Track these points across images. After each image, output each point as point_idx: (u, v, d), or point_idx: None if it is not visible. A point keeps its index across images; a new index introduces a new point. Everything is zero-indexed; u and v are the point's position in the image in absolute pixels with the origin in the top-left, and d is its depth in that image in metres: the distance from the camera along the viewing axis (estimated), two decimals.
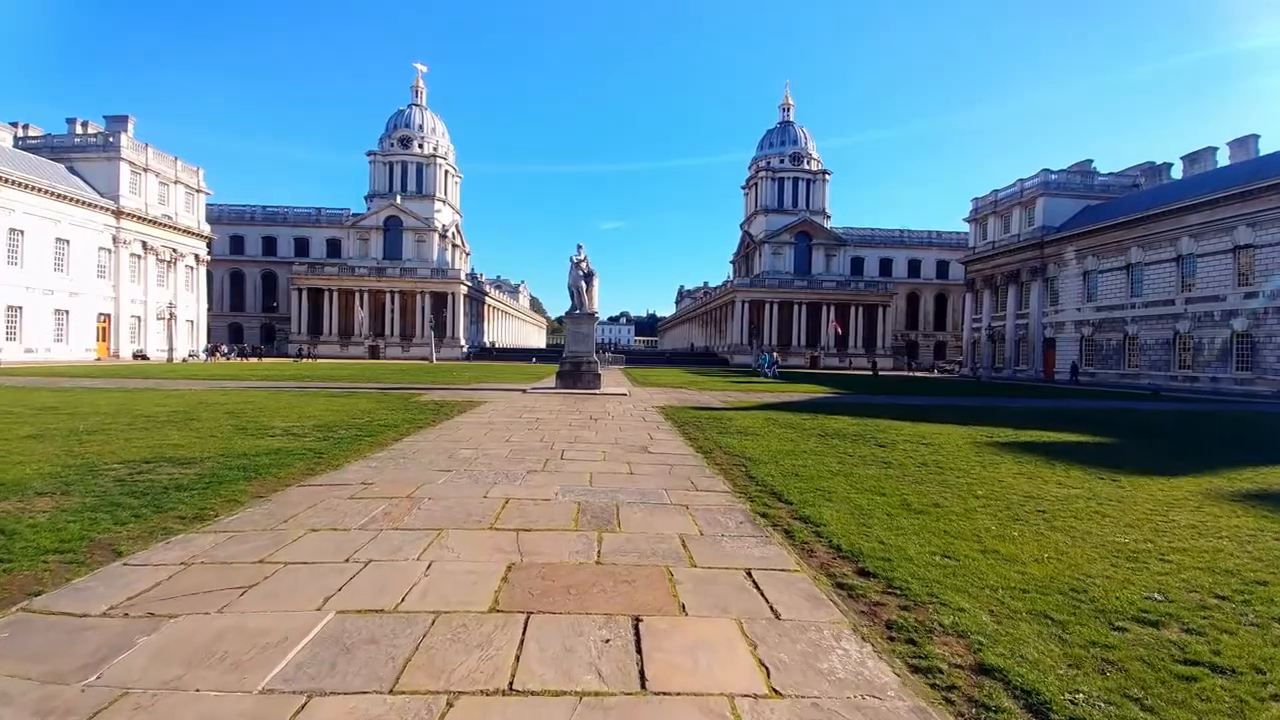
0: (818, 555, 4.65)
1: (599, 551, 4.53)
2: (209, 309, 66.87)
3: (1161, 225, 40.46)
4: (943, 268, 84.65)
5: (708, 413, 15.35)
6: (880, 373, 57.29)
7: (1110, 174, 55.44)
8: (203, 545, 4.50)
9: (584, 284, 21.18)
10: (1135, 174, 53.97)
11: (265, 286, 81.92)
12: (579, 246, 21.65)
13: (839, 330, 74.26)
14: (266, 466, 7.06)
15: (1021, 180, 55.66)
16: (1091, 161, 56.68)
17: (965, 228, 68.12)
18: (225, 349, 63.97)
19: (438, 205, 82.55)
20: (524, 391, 20.75)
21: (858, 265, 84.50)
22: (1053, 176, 53.35)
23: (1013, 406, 20.51)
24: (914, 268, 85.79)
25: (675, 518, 5.54)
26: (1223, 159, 43.06)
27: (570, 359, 21.88)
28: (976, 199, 61.78)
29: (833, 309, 75.24)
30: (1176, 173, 48.69)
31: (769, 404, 18.74)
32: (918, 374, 61.26)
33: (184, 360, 51.13)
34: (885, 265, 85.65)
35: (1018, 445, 10.77)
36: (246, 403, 14.27)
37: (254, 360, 58.32)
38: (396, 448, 8.76)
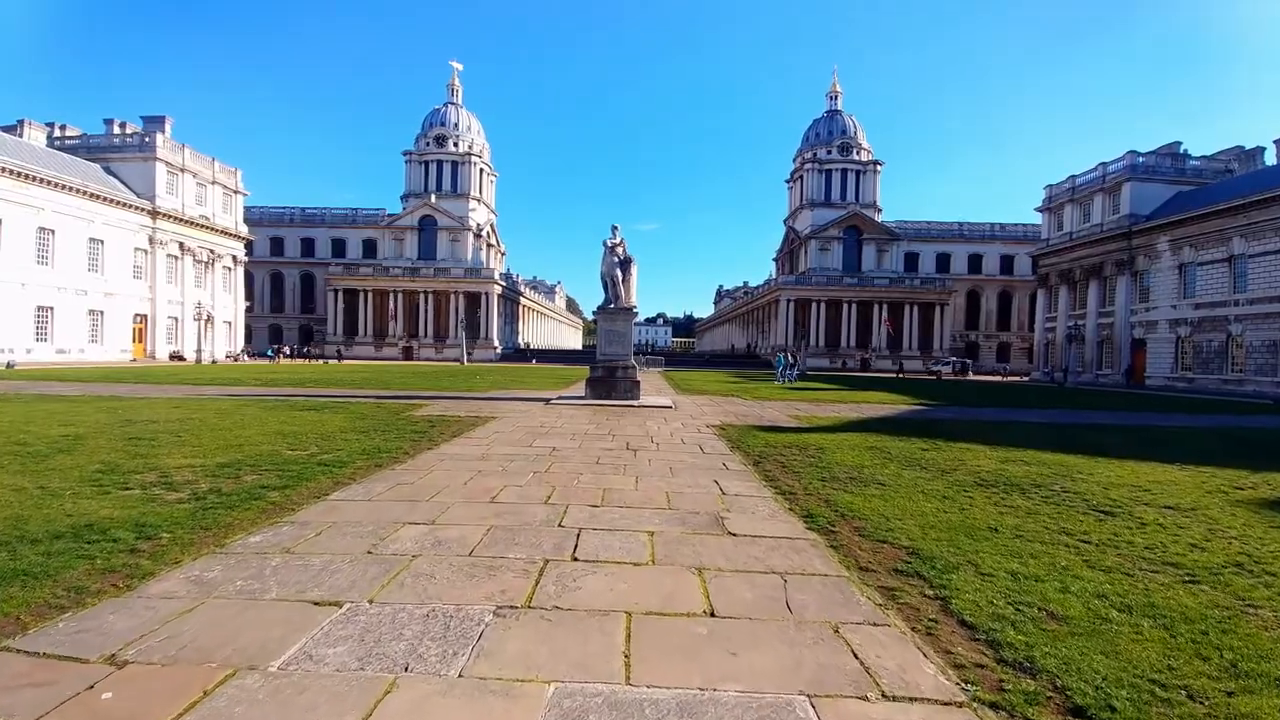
0: None
1: None
2: (250, 310, 66.62)
3: (1266, 213, 35.68)
4: (1007, 263, 78.24)
5: (782, 436, 11.52)
6: (943, 377, 51.88)
7: (1202, 158, 49.52)
8: None
9: (619, 272, 17.52)
10: (1227, 158, 48.99)
11: (304, 287, 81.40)
12: (614, 228, 17.98)
13: (892, 330, 69.04)
14: None
15: (1104, 164, 49.88)
16: (1181, 144, 50.55)
17: (1034, 219, 62.17)
18: (288, 350, 66.75)
19: (472, 204, 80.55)
20: (546, 402, 17.22)
21: (912, 261, 78.77)
22: (1140, 159, 47.67)
23: (1168, 425, 15.99)
24: (975, 263, 79.52)
25: None
26: None
27: (604, 363, 18.13)
28: (1050, 186, 55.98)
29: (885, 308, 70.04)
30: (1270, 158, 44.91)
31: (853, 421, 14.73)
32: (972, 377, 55.51)
33: (214, 361, 49.89)
34: (943, 261, 79.68)
35: None
36: (180, 420, 11.11)
37: (300, 361, 58.95)
38: (298, 519, 5.18)
